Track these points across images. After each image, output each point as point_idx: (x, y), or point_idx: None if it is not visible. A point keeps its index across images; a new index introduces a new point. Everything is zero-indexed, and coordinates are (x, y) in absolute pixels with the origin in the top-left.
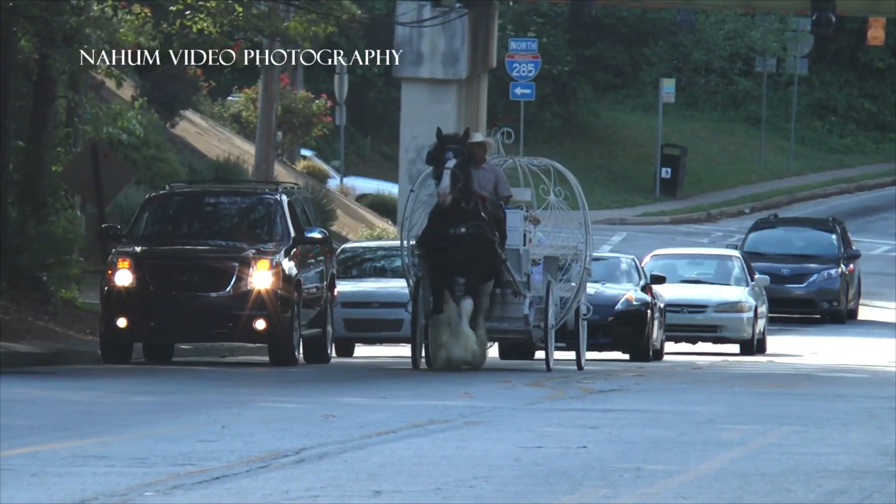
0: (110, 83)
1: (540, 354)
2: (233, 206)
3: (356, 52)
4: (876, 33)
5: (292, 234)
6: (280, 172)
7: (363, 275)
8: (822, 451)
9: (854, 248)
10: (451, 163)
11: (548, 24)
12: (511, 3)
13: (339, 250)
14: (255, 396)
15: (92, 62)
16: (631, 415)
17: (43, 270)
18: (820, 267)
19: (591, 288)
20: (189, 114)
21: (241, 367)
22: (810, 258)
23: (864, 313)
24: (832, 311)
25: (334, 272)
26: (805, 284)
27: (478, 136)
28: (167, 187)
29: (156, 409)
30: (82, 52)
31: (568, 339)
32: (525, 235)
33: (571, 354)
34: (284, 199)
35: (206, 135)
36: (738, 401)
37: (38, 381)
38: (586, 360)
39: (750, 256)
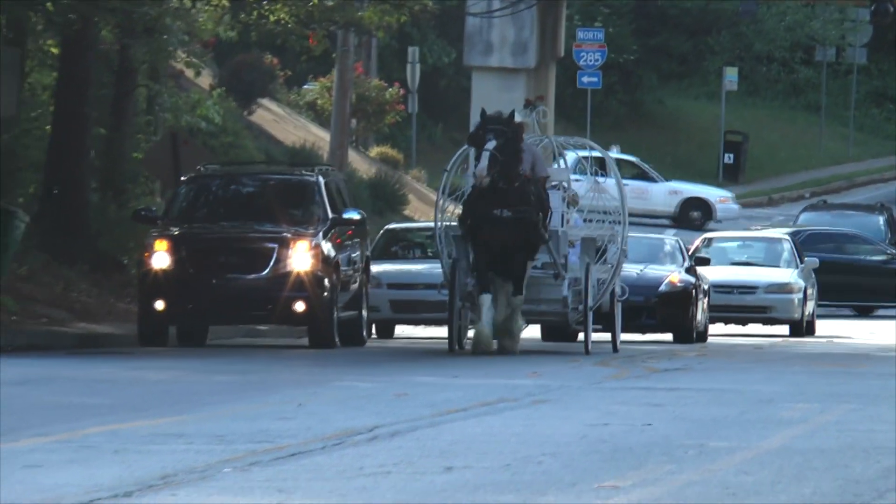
0: (189, 72)
1: (581, 336)
2: (270, 187)
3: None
4: None
5: (330, 215)
6: (354, 159)
7: (407, 256)
8: (878, 429)
9: None
10: (491, 144)
11: (614, 14)
12: None
13: (382, 230)
14: (330, 376)
15: (171, 52)
16: (694, 393)
17: (124, 254)
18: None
19: (635, 269)
20: (266, 102)
21: (311, 349)
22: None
23: None
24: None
25: (369, 254)
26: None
27: (517, 116)
28: (201, 169)
29: (233, 389)
30: (163, 42)
31: (603, 321)
32: (563, 216)
33: (608, 336)
34: (321, 180)
35: (282, 122)
36: (798, 380)
37: (119, 361)
38: (621, 341)
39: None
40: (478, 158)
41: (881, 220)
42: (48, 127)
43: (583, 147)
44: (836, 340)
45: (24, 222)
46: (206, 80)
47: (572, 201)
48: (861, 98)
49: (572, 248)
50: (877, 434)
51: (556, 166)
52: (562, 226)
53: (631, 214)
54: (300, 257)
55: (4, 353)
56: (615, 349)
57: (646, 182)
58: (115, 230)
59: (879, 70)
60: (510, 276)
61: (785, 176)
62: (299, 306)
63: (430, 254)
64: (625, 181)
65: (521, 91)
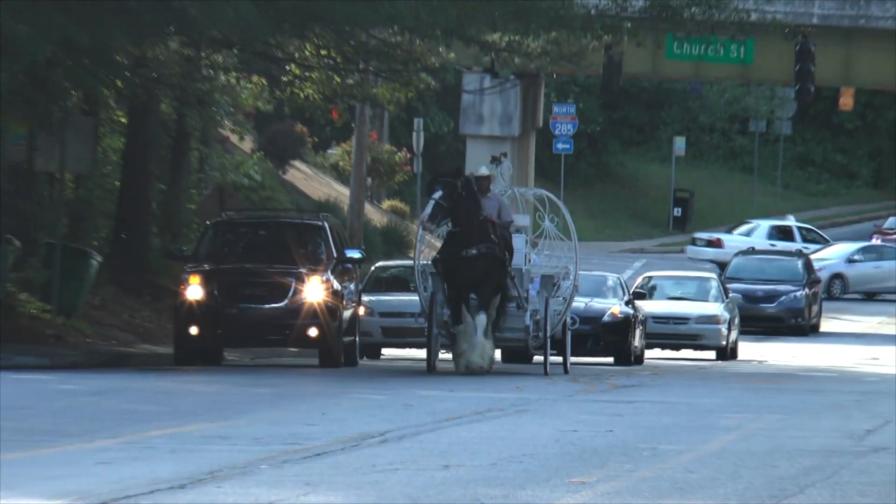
0: (234, 138)
1: (538, 359)
2: (284, 230)
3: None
4: (846, 101)
5: (335, 254)
6: (369, 210)
7: (394, 289)
8: (800, 435)
9: (816, 274)
10: (437, 194)
11: (584, 92)
12: (554, 76)
13: (373, 267)
14: (347, 389)
15: (219, 121)
16: (648, 405)
17: (179, 286)
18: (788, 289)
19: (582, 302)
20: (297, 163)
21: (321, 368)
22: (780, 282)
23: (830, 326)
24: (798, 326)
25: (361, 287)
26: (776, 304)
27: (483, 170)
28: (223, 216)
29: (268, 399)
30: (212, 113)
31: (556, 346)
32: (525, 256)
33: (560, 359)
34: (327, 224)
35: (310, 180)
36: (734, 394)
37: (175, 375)
38: (571, 363)
39: (732, 280)
40: (428, 210)
41: (800, 263)
42: (117, 182)
43: (540, 197)
44: (765, 363)
45: (97, 261)
46: (247, 144)
47: (533, 244)
48: (787, 161)
49: (532, 284)
50: (799, 440)
51: (519, 216)
52: (524, 264)
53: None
54: (313, 290)
55: (81, 368)
56: (566, 371)
57: (820, 245)
58: (172, 268)
59: (802, 139)
60: (482, 305)
61: (724, 226)
62: (313, 332)
63: (412, 287)
64: (804, 245)
65: (508, 155)
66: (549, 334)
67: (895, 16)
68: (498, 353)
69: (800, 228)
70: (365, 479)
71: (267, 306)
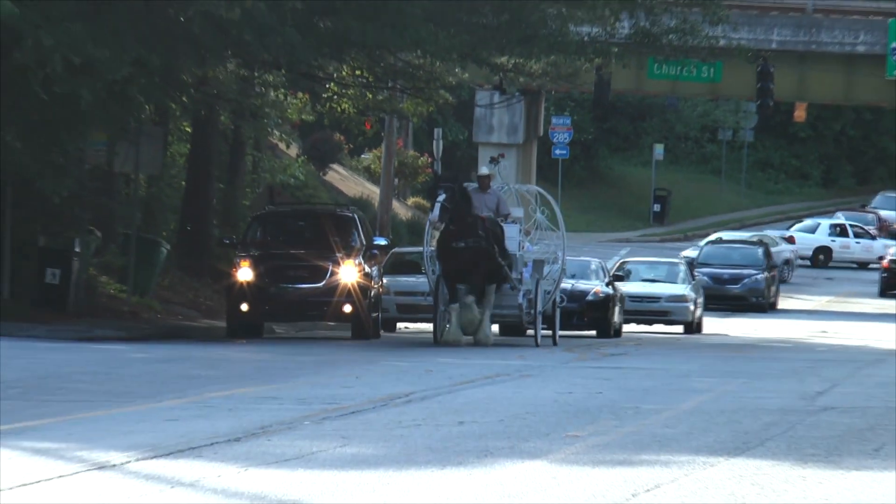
0: (282, 145)
1: (531, 332)
2: (320, 220)
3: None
4: (800, 114)
5: (364, 241)
6: (396, 206)
7: (409, 272)
8: (761, 396)
9: (774, 260)
10: (441, 198)
11: (578, 106)
12: (552, 92)
13: (390, 253)
14: (376, 358)
15: (269, 130)
16: (632, 371)
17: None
18: (750, 273)
19: (568, 283)
20: (335, 166)
21: (353, 340)
22: (743, 266)
23: (786, 304)
24: (758, 304)
25: (381, 270)
26: (739, 285)
27: (483, 170)
28: (266, 209)
29: (311, 366)
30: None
31: (546, 321)
32: (519, 243)
33: (550, 332)
34: (357, 216)
35: (346, 181)
36: (706, 361)
37: (232, 346)
38: (560, 336)
39: (703, 265)
40: (433, 210)
41: (760, 251)
42: (183, 182)
43: (533, 192)
44: (730, 335)
45: (166, 249)
46: (293, 150)
47: (526, 232)
48: (750, 165)
49: (525, 268)
50: (760, 400)
51: (514, 208)
52: (518, 251)
53: (860, 262)
54: (347, 272)
55: (152, 339)
56: (555, 342)
57: (869, 240)
58: (229, 254)
59: (763, 146)
60: (473, 291)
61: (696, 220)
62: (347, 308)
63: (423, 271)
64: (856, 240)
65: (513, 160)
66: (539, 311)
67: (841, 42)
68: (496, 328)
69: (851, 226)
70: (392, 433)
71: (307, 286)
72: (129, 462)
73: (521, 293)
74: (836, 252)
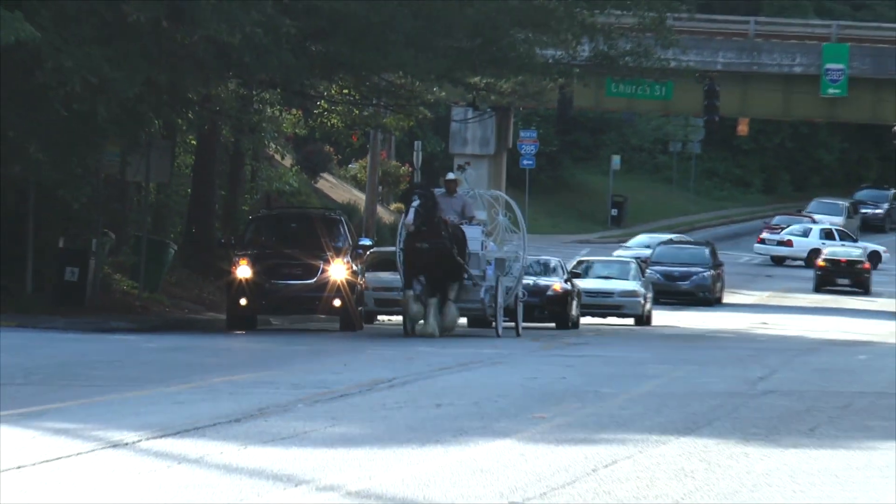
0: (277, 156)
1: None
2: (311, 222)
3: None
4: (743, 128)
5: (351, 242)
6: (380, 211)
7: (386, 269)
8: (708, 381)
9: (720, 259)
10: (416, 203)
11: (543, 121)
12: (520, 109)
13: (368, 252)
14: (362, 347)
15: (266, 143)
16: (593, 358)
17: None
18: (698, 270)
19: (531, 280)
20: (325, 175)
21: (341, 331)
22: (692, 265)
23: (730, 298)
24: (705, 299)
25: (364, 268)
26: (688, 282)
27: (450, 175)
28: (261, 211)
29: (303, 354)
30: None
31: (510, 314)
32: (482, 244)
33: (513, 324)
34: (343, 219)
35: (336, 188)
36: (658, 350)
37: (233, 336)
38: (523, 327)
39: (655, 264)
40: (407, 214)
41: (707, 251)
42: (189, 190)
43: (496, 197)
44: (680, 326)
45: (173, 249)
46: (288, 160)
47: (488, 234)
48: (698, 174)
49: (489, 266)
50: (707, 384)
51: (478, 211)
52: (481, 250)
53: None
54: (337, 270)
55: (160, 330)
56: (518, 334)
57: (851, 242)
58: (230, 254)
59: (709, 157)
60: (438, 290)
61: (650, 223)
62: (336, 303)
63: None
64: (841, 242)
65: (485, 169)
66: (501, 305)
67: (780, 63)
68: (464, 320)
69: (837, 230)
70: (377, 414)
71: (300, 282)
72: (141, 441)
73: (484, 289)
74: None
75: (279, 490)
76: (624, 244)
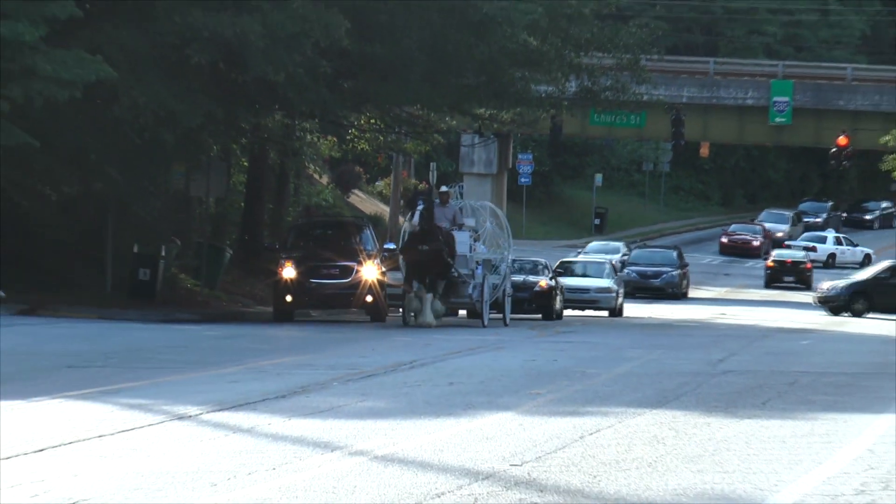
0: (315, 175)
1: (496, 316)
2: (342, 228)
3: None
4: (704, 150)
5: (377, 246)
6: (401, 220)
7: (395, 269)
8: (677, 363)
9: (685, 260)
10: (420, 207)
11: (537, 145)
12: (519, 135)
13: (391, 255)
14: (389, 335)
15: (306, 164)
16: (580, 344)
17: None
18: (667, 270)
19: (520, 277)
20: (356, 191)
21: (371, 323)
22: (662, 265)
23: (694, 293)
24: (674, 294)
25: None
26: (659, 279)
27: (444, 188)
28: (299, 220)
29: (338, 341)
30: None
31: (498, 308)
32: (470, 247)
33: (501, 315)
34: (370, 225)
35: (365, 202)
36: (635, 337)
37: (278, 326)
38: (511, 318)
39: (632, 264)
40: (413, 217)
41: (675, 254)
42: (242, 203)
43: (484, 207)
44: (653, 317)
45: (229, 253)
46: (324, 179)
47: (476, 238)
48: (666, 189)
49: (479, 266)
50: (676, 365)
51: (467, 218)
52: (469, 252)
53: (844, 265)
54: (369, 271)
55: (218, 321)
56: (505, 324)
57: (853, 247)
58: (276, 257)
59: (676, 175)
60: (431, 286)
61: (626, 231)
62: (368, 298)
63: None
64: (841, 247)
65: (488, 186)
66: (488, 300)
67: (735, 97)
68: (463, 312)
69: (844, 238)
70: (399, 391)
71: (338, 281)
72: (202, 414)
73: (472, 285)
74: (839, 256)
75: (318, 454)
76: (583, 250)
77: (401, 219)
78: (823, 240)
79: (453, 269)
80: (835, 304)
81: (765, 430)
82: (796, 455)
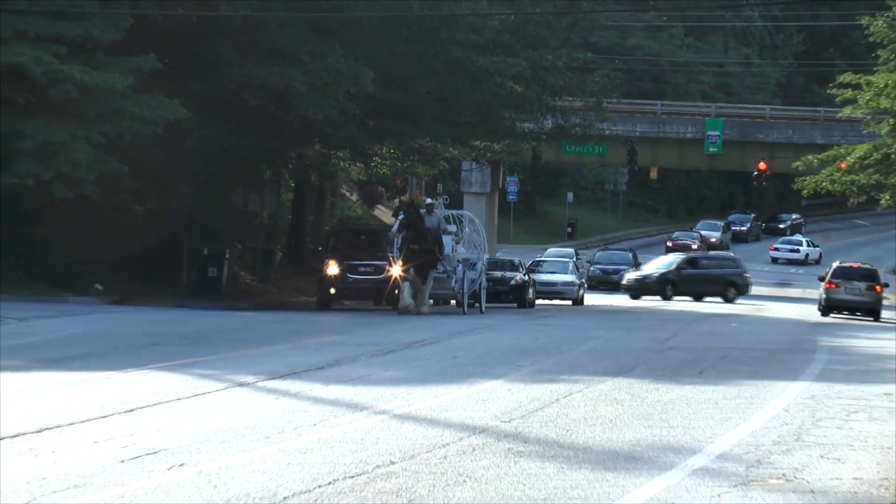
0: (347, 193)
1: (476, 305)
2: (373, 233)
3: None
4: (654, 174)
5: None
6: None
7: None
8: (631, 341)
9: (639, 260)
10: (401, 216)
11: (522, 170)
12: (507, 162)
13: None
14: (406, 319)
15: (340, 185)
16: (555, 326)
17: (322, 266)
18: (625, 268)
19: (500, 273)
20: (379, 206)
21: (394, 311)
22: (621, 264)
23: None
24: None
25: None
26: (618, 275)
27: (429, 200)
28: (337, 228)
29: (366, 324)
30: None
31: (476, 299)
32: (453, 247)
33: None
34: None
35: (385, 215)
36: (598, 320)
37: (319, 313)
38: (487, 306)
39: (596, 263)
40: (394, 226)
41: (630, 255)
42: (290, 216)
43: (463, 216)
44: (613, 305)
45: (279, 255)
46: (354, 196)
47: (457, 240)
48: (624, 205)
49: (459, 264)
50: (631, 343)
51: (450, 225)
52: (452, 252)
53: (799, 262)
54: (397, 269)
55: (271, 309)
56: (482, 311)
57: (814, 248)
58: (319, 258)
59: (631, 193)
60: (421, 276)
61: (592, 237)
62: (396, 292)
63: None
64: (810, 248)
65: (484, 203)
66: (467, 292)
67: (678, 131)
68: (454, 302)
69: (809, 242)
70: (413, 363)
71: (372, 277)
72: (258, 381)
73: (454, 280)
74: (810, 255)
75: (349, 413)
76: (543, 255)
77: None
78: (801, 243)
79: (441, 264)
80: (640, 290)
81: (701, 394)
82: (726, 413)
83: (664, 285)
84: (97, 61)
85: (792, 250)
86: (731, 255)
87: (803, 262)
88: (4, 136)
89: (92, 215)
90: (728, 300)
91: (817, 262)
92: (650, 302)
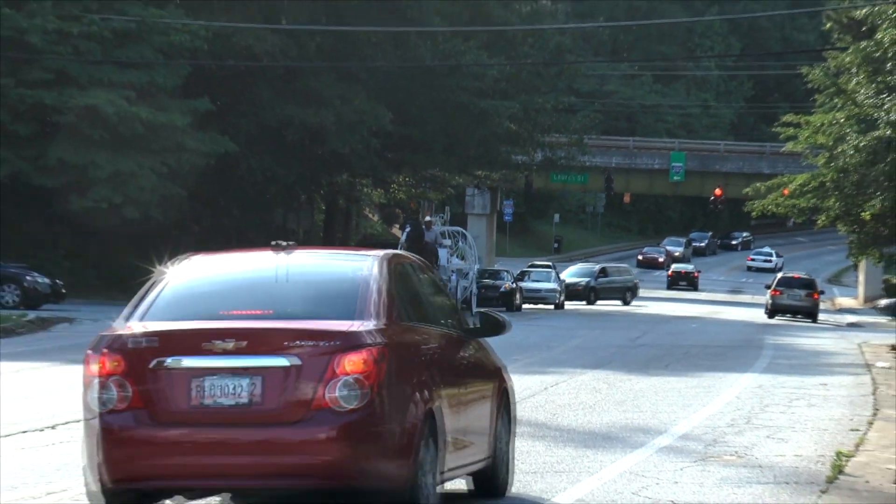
0: (370, 214)
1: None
2: (390, 248)
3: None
4: (627, 198)
5: None
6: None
7: None
8: (610, 339)
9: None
10: (408, 229)
11: (517, 195)
12: (504, 188)
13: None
14: None
15: (364, 206)
16: (545, 327)
17: None
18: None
19: (491, 281)
20: (396, 225)
21: None
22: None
23: None
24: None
25: None
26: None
27: (427, 218)
28: (359, 240)
29: None
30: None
31: (466, 304)
32: (447, 259)
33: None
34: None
35: (400, 233)
36: (580, 322)
37: None
38: (476, 311)
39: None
40: (404, 236)
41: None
42: (321, 234)
43: (457, 231)
44: (595, 307)
45: None
46: (375, 217)
47: (451, 252)
48: (602, 225)
49: (454, 273)
50: (608, 340)
51: (446, 239)
52: (446, 263)
53: (770, 270)
54: None
55: None
56: (472, 314)
57: (780, 258)
58: None
59: (608, 214)
60: None
61: (575, 252)
62: None
63: None
64: (779, 258)
65: (485, 223)
66: (459, 298)
67: (647, 163)
68: None
69: (776, 253)
70: None
71: None
72: None
73: (449, 287)
74: (778, 264)
75: None
76: (530, 265)
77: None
78: (771, 255)
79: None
80: (578, 295)
81: (667, 384)
82: (688, 400)
83: (589, 291)
84: (160, 103)
85: (765, 260)
86: (626, 266)
87: (773, 270)
88: (82, 167)
89: (155, 233)
90: (626, 303)
91: (779, 269)
92: (623, 306)
